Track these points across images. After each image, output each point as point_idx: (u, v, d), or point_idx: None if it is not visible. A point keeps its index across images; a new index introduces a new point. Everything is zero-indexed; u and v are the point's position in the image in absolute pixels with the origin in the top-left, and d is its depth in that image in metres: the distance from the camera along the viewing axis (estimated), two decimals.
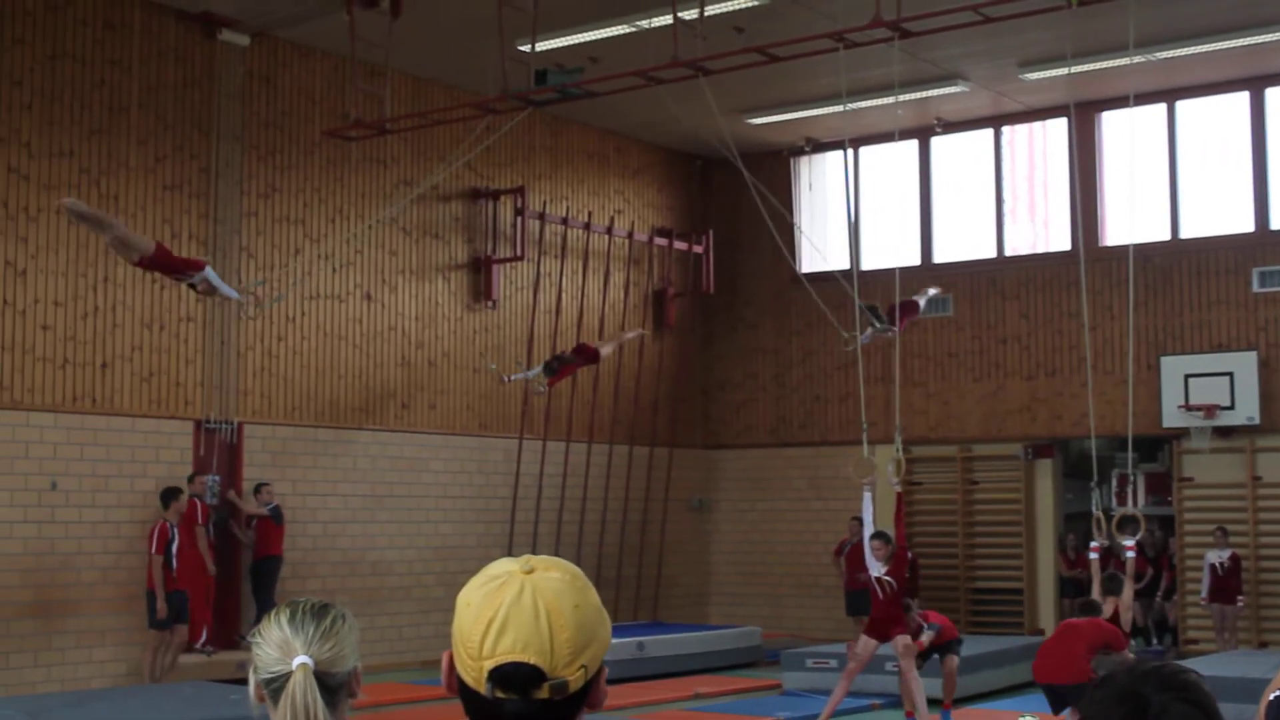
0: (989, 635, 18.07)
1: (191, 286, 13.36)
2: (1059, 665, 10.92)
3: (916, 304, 16.83)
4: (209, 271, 13.07)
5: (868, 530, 13.13)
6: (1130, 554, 13.26)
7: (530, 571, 2.06)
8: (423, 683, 15.49)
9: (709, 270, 21.76)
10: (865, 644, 12.87)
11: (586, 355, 17.72)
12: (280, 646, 2.69)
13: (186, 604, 14.91)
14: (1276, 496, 18.15)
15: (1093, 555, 13.61)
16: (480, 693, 2.02)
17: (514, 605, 2.02)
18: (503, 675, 2.00)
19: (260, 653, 2.72)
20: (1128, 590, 12.53)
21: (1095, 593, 12.58)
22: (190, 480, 15.59)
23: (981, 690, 15.13)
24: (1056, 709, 11.05)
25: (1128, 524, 13.58)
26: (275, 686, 2.68)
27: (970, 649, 14.69)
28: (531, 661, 1.99)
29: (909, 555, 13.72)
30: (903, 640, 12.67)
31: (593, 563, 19.43)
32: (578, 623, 2.03)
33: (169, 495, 15.03)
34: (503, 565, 2.10)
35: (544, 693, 2.00)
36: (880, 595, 12.74)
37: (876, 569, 12.71)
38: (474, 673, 2.02)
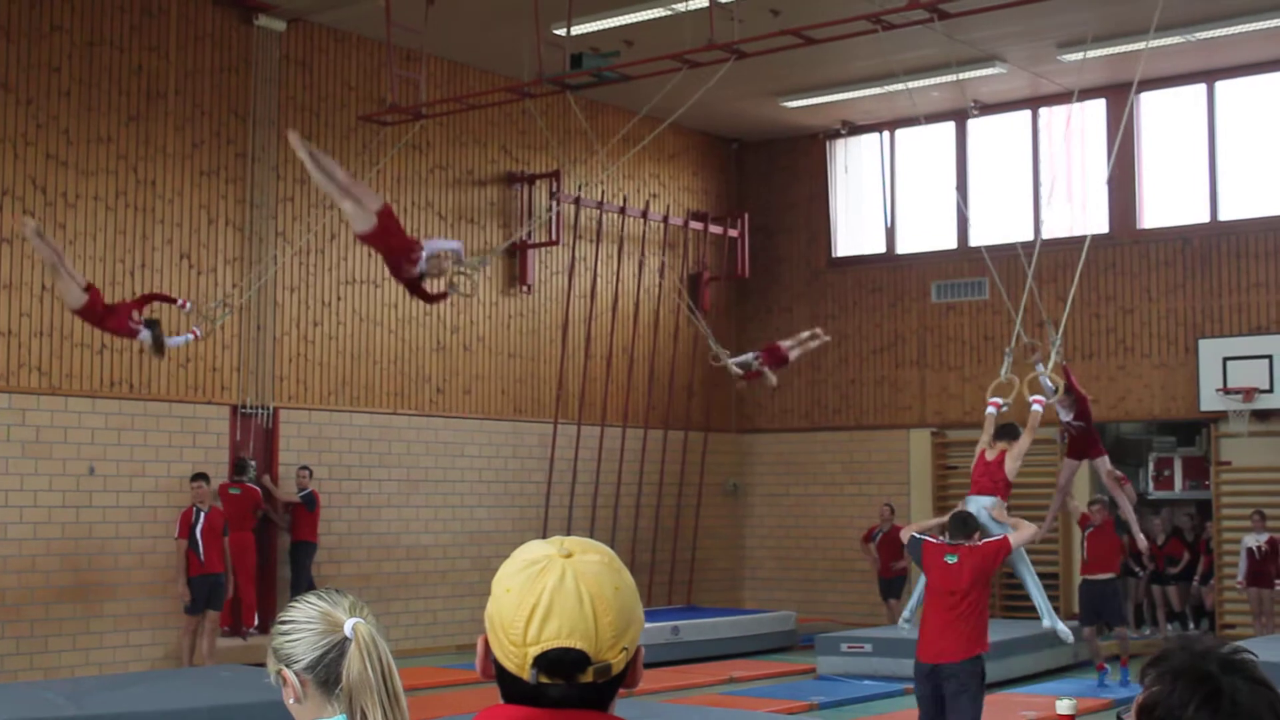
0: (1024, 620, 17.99)
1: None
2: (944, 640, 8.96)
3: (786, 355, 16.63)
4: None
5: (1048, 388, 13.04)
6: (1036, 408, 12.72)
7: (569, 555, 2.05)
8: (457, 666, 15.54)
9: (744, 254, 21.74)
10: (1067, 465, 14.87)
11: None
12: (323, 619, 2.69)
13: (219, 588, 14.93)
14: None
15: (989, 410, 12.54)
16: (523, 678, 2.01)
17: (557, 590, 2.01)
18: (549, 662, 1.99)
19: (297, 639, 2.69)
20: (1024, 440, 12.03)
21: (983, 439, 12.21)
22: (238, 469, 15.71)
23: (1016, 675, 15.08)
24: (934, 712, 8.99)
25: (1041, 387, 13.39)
26: (328, 660, 2.66)
27: (1005, 634, 14.65)
28: (577, 647, 1.98)
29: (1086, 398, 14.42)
30: (1105, 465, 14.47)
31: (627, 547, 19.44)
32: (619, 606, 2.02)
33: (192, 480, 15.09)
34: (538, 549, 2.08)
35: (588, 676, 2.00)
36: (1072, 434, 14.45)
37: (1065, 415, 14.21)
38: (517, 659, 2.01)
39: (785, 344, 16.93)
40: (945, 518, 10.62)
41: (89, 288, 12.80)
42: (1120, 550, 15.51)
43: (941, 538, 9.61)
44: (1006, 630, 14.93)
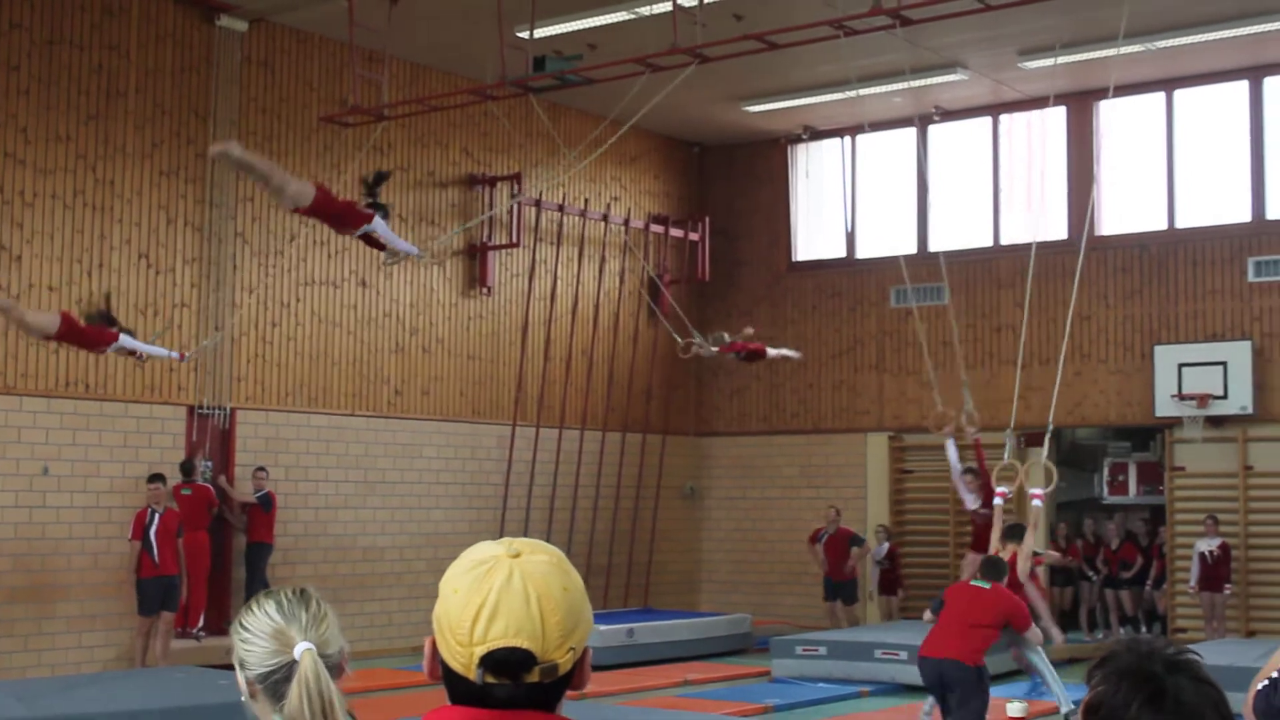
0: None
1: (371, 243, 12.33)
2: (951, 640, 9.65)
3: (764, 351, 17.06)
4: (378, 223, 11.89)
5: (956, 469, 14.87)
6: (1037, 503, 13.06)
7: (517, 555, 2.06)
8: (412, 668, 15.50)
9: (704, 257, 21.75)
10: (972, 560, 14.36)
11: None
12: (275, 637, 2.64)
13: (174, 590, 14.86)
14: (1267, 486, 18.16)
15: (997, 500, 13.09)
16: (469, 678, 2.02)
17: (504, 590, 2.01)
18: (495, 661, 1.99)
19: (250, 648, 2.66)
20: (1029, 538, 12.43)
21: (994, 538, 12.63)
22: (185, 469, 15.61)
23: None
24: (940, 694, 9.74)
25: (1039, 476, 13.56)
26: (275, 679, 2.63)
27: None
28: (523, 646, 1.99)
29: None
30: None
31: (584, 549, 19.44)
32: (567, 606, 2.03)
33: (148, 481, 15.01)
34: (487, 549, 2.09)
35: (535, 676, 2.00)
36: (978, 523, 14.61)
37: (972, 502, 14.42)
38: (463, 659, 2.02)
39: (769, 348, 17.27)
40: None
41: (61, 313, 12.85)
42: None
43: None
44: None
